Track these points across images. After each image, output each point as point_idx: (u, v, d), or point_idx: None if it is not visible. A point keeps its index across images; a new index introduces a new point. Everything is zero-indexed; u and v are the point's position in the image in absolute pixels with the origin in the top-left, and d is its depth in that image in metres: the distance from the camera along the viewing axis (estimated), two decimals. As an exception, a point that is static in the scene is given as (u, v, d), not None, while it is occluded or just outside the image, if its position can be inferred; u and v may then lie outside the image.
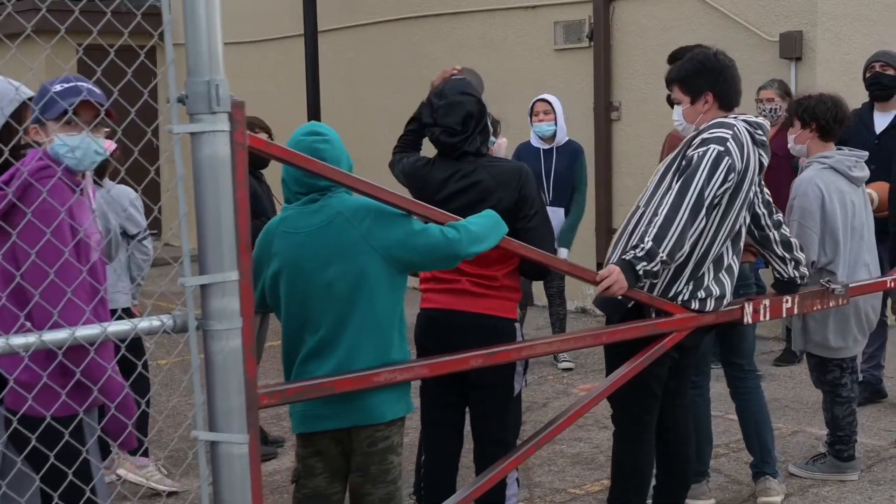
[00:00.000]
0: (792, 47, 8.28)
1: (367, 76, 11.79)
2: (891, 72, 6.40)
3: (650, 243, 3.86)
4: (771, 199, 4.36)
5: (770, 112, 6.94)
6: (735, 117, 4.10)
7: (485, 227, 3.48)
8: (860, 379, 6.62)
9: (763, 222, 4.35)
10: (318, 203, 3.43)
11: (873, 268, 5.19)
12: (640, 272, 3.85)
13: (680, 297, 4.06)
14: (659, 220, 3.91)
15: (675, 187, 3.95)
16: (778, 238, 4.37)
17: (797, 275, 4.42)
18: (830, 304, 4.58)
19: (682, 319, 4.04)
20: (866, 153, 5.33)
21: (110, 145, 4.87)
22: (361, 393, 3.34)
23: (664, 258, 3.85)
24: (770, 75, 8.41)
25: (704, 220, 3.93)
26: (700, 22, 8.92)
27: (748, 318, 4.24)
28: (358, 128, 11.02)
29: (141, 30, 3.67)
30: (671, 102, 4.89)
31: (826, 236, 4.98)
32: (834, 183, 5.07)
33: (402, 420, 3.49)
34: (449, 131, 3.99)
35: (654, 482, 4.41)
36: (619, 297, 3.94)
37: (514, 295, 4.08)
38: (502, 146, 6.38)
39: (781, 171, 6.14)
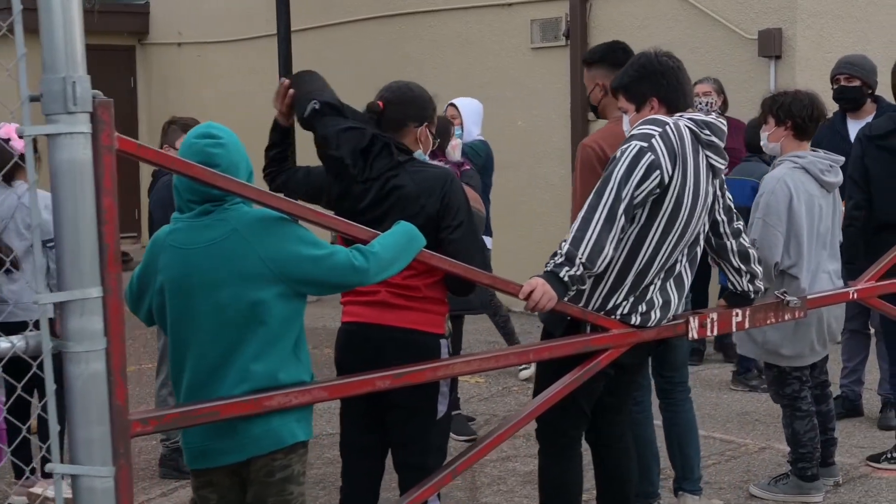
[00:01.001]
0: (770, 45, 8.00)
1: (342, 76, 11.49)
2: (856, 82, 6.14)
3: (567, 247, 3.59)
4: (733, 205, 4.07)
5: (705, 106, 6.83)
6: (680, 116, 3.82)
7: (395, 248, 3.21)
8: (838, 394, 6.38)
9: (722, 230, 4.03)
10: (211, 216, 3.12)
11: (836, 278, 4.91)
12: (566, 279, 3.57)
13: (619, 311, 3.78)
14: (576, 222, 3.64)
15: (596, 187, 3.69)
16: (735, 248, 4.05)
17: (751, 289, 4.12)
18: (786, 317, 4.29)
19: (620, 335, 3.76)
20: (842, 158, 5.07)
21: (16, 143, 4.61)
22: (254, 420, 3.06)
23: (584, 261, 3.57)
24: (749, 74, 8.16)
25: (626, 221, 3.64)
26: (677, 19, 8.64)
27: (693, 334, 3.96)
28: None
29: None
30: (594, 110, 4.65)
31: (791, 238, 4.72)
32: (804, 184, 4.81)
33: (304, 446, 3.22)
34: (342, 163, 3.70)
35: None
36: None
37: (440, 307, 3.77)
38: (455, 148, 6.11)
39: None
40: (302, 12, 11.26)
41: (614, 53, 4.49)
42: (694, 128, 3.79)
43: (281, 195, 3.29)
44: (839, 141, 5.86)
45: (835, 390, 6.54)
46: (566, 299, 3.62)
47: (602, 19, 9.16)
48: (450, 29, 10.39)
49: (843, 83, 6.17)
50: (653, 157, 3.66)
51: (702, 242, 3.95)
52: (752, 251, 4.09)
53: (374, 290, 3.67)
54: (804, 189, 4.79)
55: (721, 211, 4.02)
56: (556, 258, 3.61)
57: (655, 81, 3.87)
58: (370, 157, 3.68)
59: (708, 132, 3.79)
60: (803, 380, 4.96)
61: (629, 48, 4.53)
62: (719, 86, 7.20)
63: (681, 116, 3.81)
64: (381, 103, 3.81)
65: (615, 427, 4.11)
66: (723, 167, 3.88)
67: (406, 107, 3.82)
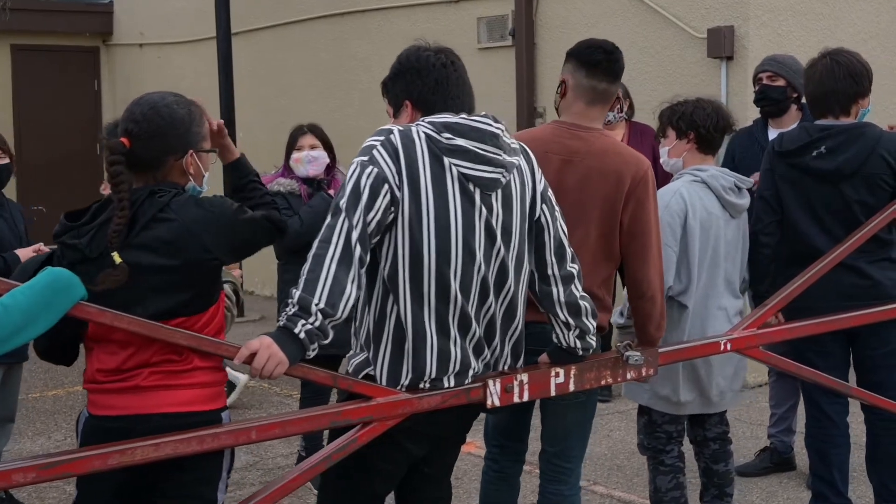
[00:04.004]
0: (721, 45, 7.18)
1: (292, 77, 10.87)
2: (780, 82, 5.31)
3: (298, 293, 2.87)
4: (566, 241, 3.30)
5: (614, 112, 6.28)
6: (420, 122, 3.06)
7: (28, 309, 2.52)
8: (766, 444, 5.60)
9: (550, 272, 3.26)
10: None
11: (736, 321, 4.14)
12: (302, 335, 2.85)
13: (385, 372, 3.06)
14: (307, 261, 2.92)
15: (327, 219, 2.97)
16: (563, 298, 3.27)
17: (580, 345, 3.36)
18: (628, 376, 3.52)
19: (387, 405, 3.03)
20: (751, 181, 4.30)
21: None
22: None
23: (322, 308, 2.85)
24: (698, 77, 7.39)
25: (364, 252, 2.91)
26: (626, 17, 7.86)
27: (494, 400, 3.20)
28: (282, 134, 10.10)
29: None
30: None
31: (681, 259, 4.04)
32: (702, 200, 4.10)
33: None
34: None
35: None
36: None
37: (215, 377, 3.05)
38: (300, 161, 5.40)
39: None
40: (247, 13, 10.68)
41: (589, 51, 3.79)
42: (430, 131, 3.02)
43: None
44: (758, 151, 5.04)
45: (760, 442, 5.80)
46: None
47: (550, 17, 8.40)
48: (397, 28, 9.69)
49: (765, 82, 5.36)
50: (376, 170, 2.94)
51: (510, 283, 3.16)
52: (584, 304, 3.32)
53: (135, 372, 2.96)
54: (702, 205, 4.09)
55: (550, 246, 3.26)
56: (287, 309, 2.89)
57: (410, 82, 3.15)
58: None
59: (450, 135, 3.01)
60: (674, 435, 4.24)
61: (613, 50, 3.79)
62: (625, 90, 6.43)
63: (421, 122, 3.07)
64: (125, 140, 2.99)
65: None
66: (489, 176, 3.04)
67: (158, 140, 3.01)
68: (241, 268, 3.85)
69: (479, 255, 3.06)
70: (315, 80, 10.47)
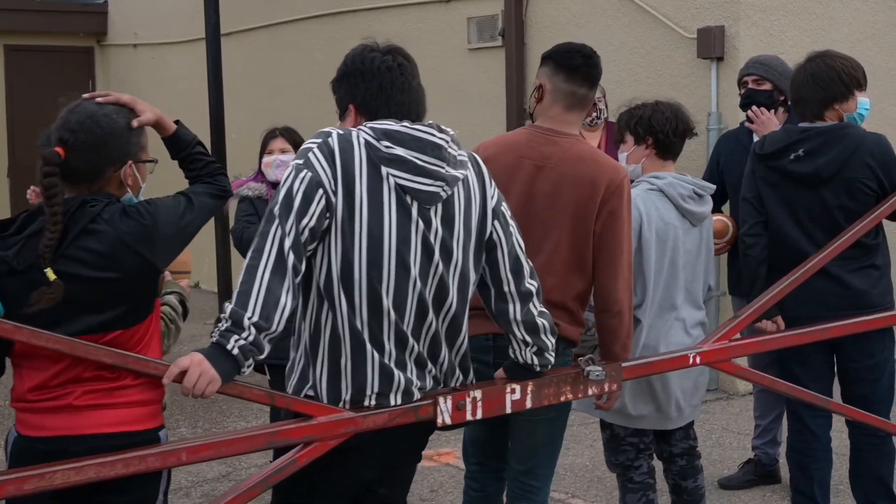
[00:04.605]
0: (710, 45, 7.01)
1: (285, 77, 10.75)
2: (766, 86, 5.13)
3: (231, 307, 2.74)
4: (523, 258, 3.13)
5: (595, 115, 6.07)
6: (362, 127, 2.91)
7: None
8: (751, 457, 5.45)
9: (506, 289, 3.11)
10: None
11: (696, 332, 3.99)
12: (235, 352, 2.72)
13: (325, 389, 2.93)
14: (242, 273, 2.78)
15: (261, 226, 2.83)
16: (521, 316, 3.12)
17: (537, 362, 3.21)
18: (590, 392, 3.38)
19: (328, 424, 2.89)
20: (713, 186, 4.15)
21: None
22: None
23: (256, 322, 2.71)
24: (688, 78, 7.23)
25: (298, 260, 2.77)
26: (616, 17, 7.70)
27: (445, 418, 3.06)
28: (272, 136, 10.00)
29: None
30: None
31: (637, 272, 3.86)
32: (658, 210, 3.94)
33: None
34: None
35: None
36: None
37: (151, 394, 2.91)
38: (269, 166, 5.25)
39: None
40: (239, 13, 10.57)
41: (568, 55, 3.66)
42: (370, 138, 2.87)
43: None
44: (742, 154, 4.87)
45: (747, 453, 5.64)
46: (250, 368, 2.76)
47: (539, 17, 8.25)
48: (389, 28, 9.53)
49: (751, 86, 5.21)
50: (310, 174, 2.81)
51: (451, 300, 2.99)
52: (542, 321, 3.17)
53: (67, 390, 2.83)
54: (658, 215, 3.93)
55: (505, 263, 3.11)
56: (220, 324, 2.76)
57: (353, 85, 2.99)
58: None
59: (389, 143, 2.86)
60: (640, 447, 4.08)
61: (592, 55, 3.67)
62: (604, 92, 6.26)
63: (364, 126, 2.93)
64: (60, 150, 2.83)
65: None
66: (428, 189, 2.88)
67: (96, 151, 2.87)
68: (190, 275, 3.71)
69: (415, 271, 2.90)
70: (308, 81, 10.34)
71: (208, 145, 9.19)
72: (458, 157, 2.98)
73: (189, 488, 5.52)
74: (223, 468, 5.76)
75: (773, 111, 5.15)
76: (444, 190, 2.91)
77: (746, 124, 5.26)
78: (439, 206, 2.92)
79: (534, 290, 3.16)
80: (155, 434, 2.92)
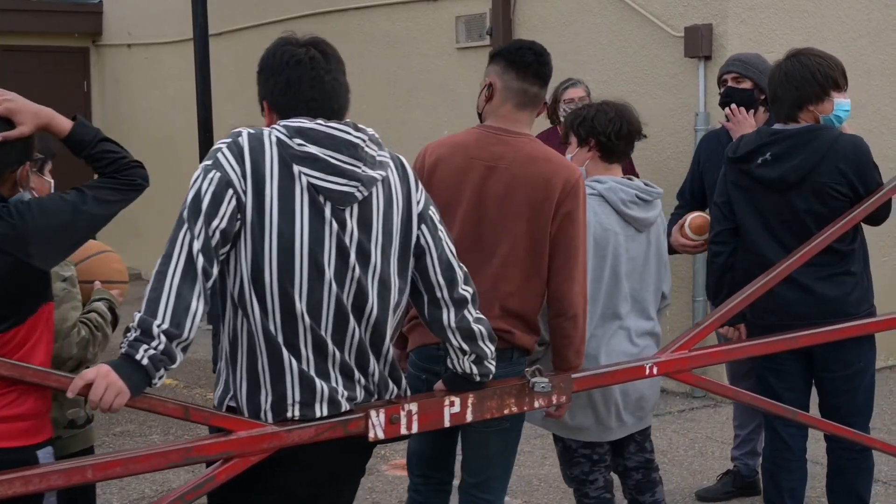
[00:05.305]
0: (698, 44, 6.84)
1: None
2: (746, 84, 4.96)
3: (140, 315, 2.60)
4: (455, 264, 2.98)
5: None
6: (275, 125, 2.77)
7: None
8: (730, 468, 5.28)
9: (439, 295, 2.97)
10: None
11: (643, 342, 3.83)
12: (145, 362, 2.57)
13: (245, 398, 2.78)
14: (151, 279, 2.64)
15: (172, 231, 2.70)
16: (454, 323, 2.98)
17: (476, 371, 3.06)
18: (536, 405, 3.22)
19: (247, 440, 2.74)
20: (660, 190, 3.98)
21: None
22: None
23: (166, 330, 2.58)
24: (676, 77, 7.07)
25: (208, 264, 2.63)
26: (604, 15, 7.53)
27: (378, 432, 2.90)
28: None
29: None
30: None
31: None
32: (598, 216, 3.77)
33: None
34: None
35: None
36: None
37: (37, 405, 2.78)
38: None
39: None
40: (228, 14, 10.46)
41: (520, 52, 3.51)
42: (282, 135, 2.73)
43: None
44: (722, 155, 4.71)
45: (723, 464, 5.48)
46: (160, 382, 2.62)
47: (527, 15, 8.09)
48: (377, 28, 9.42)
49: (730, 84, 5.03)
50: (219, 174, 2.67)
51: (372, 306, 2.83)
52: (479, 327, 3.02)
53: None
54: (597, 222, 3.76)
55: (436, 269, 2.96)
56: (129, 334, 2.61)
57: (265, 81, 2.86)
58: None
59: (302, 141, 2.72)
60: (594, 459, 3.91)
61: (543, 52, 3.53)
62: (588, 91, 6.10)
63: (277, 124, 2.78)
64: None
65: None
66: (341, 189, 2.73)
67: None
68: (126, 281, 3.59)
69: (329, 273, 2.75)
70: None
71: (196, 145, 9.17)
72: (378, 158, 2.84)
73: (152, 497, 5.38)
74: (189, 476, 5.61)
75: (752, 111, 4.98)
76: (359, 190, 2.77)
77: (723, 123, 5.10)
78: (355, 207, 2.78)
79: (469, 296, 3.02)
80: (31, 452, 2.77)
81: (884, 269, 7.25)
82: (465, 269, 3.03)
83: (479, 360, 3.04)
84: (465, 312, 3.00)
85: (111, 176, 2.89)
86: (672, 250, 4.88)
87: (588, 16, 7.62)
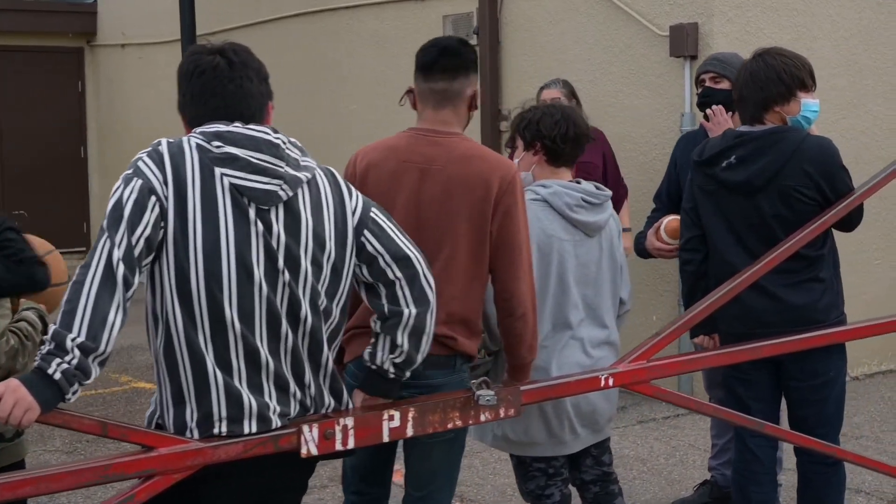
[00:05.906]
0: (682, 43, 6.73)
1: (266, 79, 10.53)
2: (724, 84, 4.82)
3: (54, 328, 2.51)
4: (414, 258, 2.89)
5: None
6: (193, 133, 2.70)
7: None
8: (707, 478, 5.15)
9: (400, 293, 2.89)
10: None
11: (599, 352, 3.70)
12: (58, 376, 2.47)
13: (171, 416, 2.69)
14: (66, 292, 2.56)
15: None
16: (412, 321, 2.90)
17: (392, 371, 2.95)
18: (482, 418, 3.10)
19: (171, 456, 2.64)
20: (609, 193, 3.86)
21: None
22: None
23: (81, 343, 2.48)
24: (662, 77, 6.95)
25: (130, 272, 2.54)
26: (590, 14, 7.41)
27: (311, 448, 2.79)
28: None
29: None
30: None
31: None
32: (542, 221, 3.67)
33: None
34: None
35: None
36: None
37: None
38: None
39: None
40: (216, 14, 10.39)
41: (422, 52, 3.46)
42: (201, 141, 2.66)
43: None
44: (696, 160, 4.60)
45: (703, 473, 5.35)
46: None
47: (514, 14, 7.98)
48: (366, 27, 9.32)
49: (708, 84, 4.91)
50: (140, 181, 2.60)
51: (306, 313, 2.74)
52: (427, 336, 2.94)
53: None
54: (540, 227, 3.65)
55: (393, 269, 2.87)
56: (42, 347, 2.52)
57: (179, 92, 2.80)
58: None
59: (220, 143, 2.64)
60: (550, 473, 3.80)
61: (451, 45, 3.47)
62: (570, 89, 6.00)
63: (194, 132, 2.71)
64: None
65: None
66: (263, 188, 2.65)
67: None
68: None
69: (259, 274, 2.66)
70: (286, 79, 10.10)
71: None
72: (302, 162, 2.77)
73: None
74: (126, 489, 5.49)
75: (732, 112, 4.86)
76: (282, 189, 2.69)
77: (703, 123, 4.98)
78: (280, 209, 2.69)
79: (430, 296, 2.93)
80: None
81: (876, 272, 7.12)
82: (425, 256, 2.94)
83: (405, 363, 2.95)
84: (428, 316, 2.92)
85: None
86: (647, 254, 4.78)
87: (574, 14, 7.51)
